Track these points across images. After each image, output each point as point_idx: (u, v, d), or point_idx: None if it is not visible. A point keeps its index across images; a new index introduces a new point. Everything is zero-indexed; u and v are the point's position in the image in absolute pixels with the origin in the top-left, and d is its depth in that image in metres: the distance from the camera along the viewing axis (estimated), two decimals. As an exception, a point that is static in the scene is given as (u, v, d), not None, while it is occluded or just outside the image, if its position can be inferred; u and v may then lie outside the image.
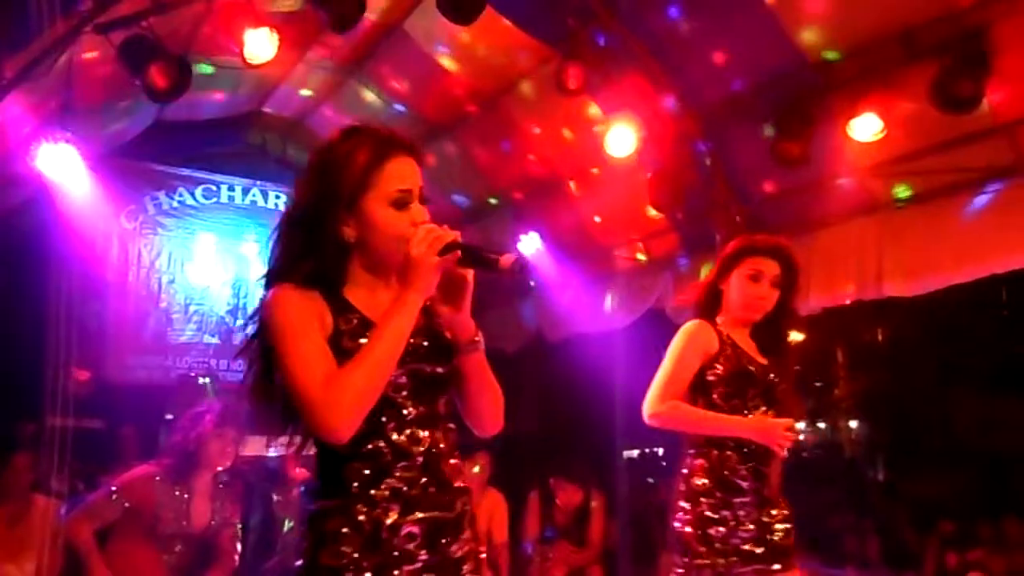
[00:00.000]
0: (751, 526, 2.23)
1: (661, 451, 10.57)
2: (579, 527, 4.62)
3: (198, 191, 6.00)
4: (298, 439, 1.42)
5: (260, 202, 6.23)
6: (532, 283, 1.33)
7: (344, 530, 1.32)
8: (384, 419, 1.36)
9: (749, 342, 2.41)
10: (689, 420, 2.30)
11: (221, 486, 3.12)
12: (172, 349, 5.72)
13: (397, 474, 1.35)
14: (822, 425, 12.38)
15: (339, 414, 1.27)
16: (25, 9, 3.20)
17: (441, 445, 1.41)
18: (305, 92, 5.53)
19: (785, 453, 2.23)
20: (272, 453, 4.03)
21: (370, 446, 1.35)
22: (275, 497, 4.27)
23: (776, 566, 2.24)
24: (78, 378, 4.61)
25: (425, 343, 1.42)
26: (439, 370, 1.43)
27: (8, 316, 5.06)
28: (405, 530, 1.33)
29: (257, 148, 6.32)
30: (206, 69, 4.49)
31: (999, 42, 3.34)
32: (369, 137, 1.42)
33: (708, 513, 2.22)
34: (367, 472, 1.34)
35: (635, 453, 10.44)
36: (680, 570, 2.22)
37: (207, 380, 5.06)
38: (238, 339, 6.04)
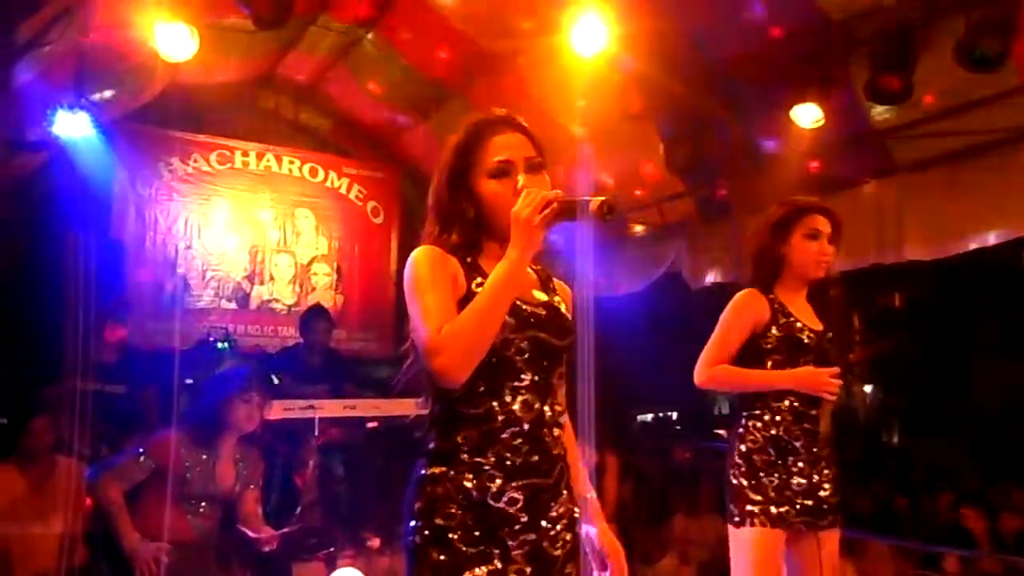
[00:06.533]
0: (803, 481, 2.31)
1: (675, 415, 10.65)
2: (593, 488, 4.66)
3: (212, 156, 5.99)
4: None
5: (274, 167, 6.22)
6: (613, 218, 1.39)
7: (453, 495, 1.45)
8: (503, 381, 1.48)
9: (806, 307, 2.45)
10: (738, 379, 2.38)
11: (245, 449, 3.17)
12: (190, 314, 5.77)
13: (504, 439, 1.47)
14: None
15: (450, 357, 1.38)
16: (37, -28, 3.18)
17: (548, 415, 1.52)
18: (317, 55, 5.48)
19: (833, 398, 2.32)
20: (293, 416, 4.08)
21: (485, 408, 1.47)
22: (296, 460, 4.34)
23: (823, 522, 2.33)
24: (110, 338, 4.68)
25: (545, 314, 1.55)
26: (556, 342, 1.54)
27: (28, 281, 5.12)
28: (508, 495, 1.46)
29: (270, 113, 6.29)
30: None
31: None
32: (473, 121, 1.59)
33: (760, 466, 2.31)
34: (476, 438, 1.47)
35: (648, 416, 10.53)
36: (736, 518, 2.31)
37: (225, 345, 5.11)
38: (254, 304, 6.10)
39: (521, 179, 1.51)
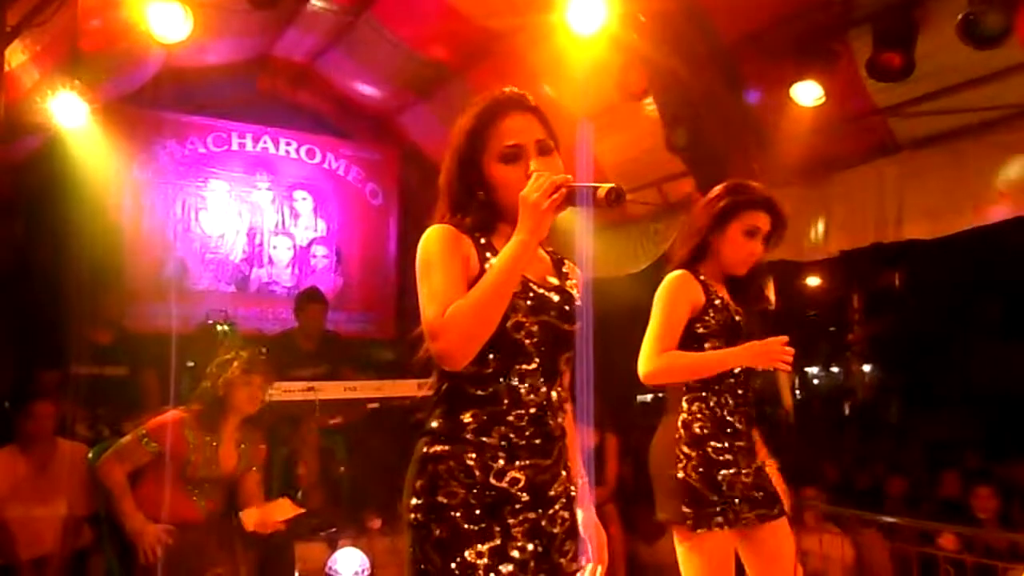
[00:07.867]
0: (749, 471, 2.20)
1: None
2: (594, 467, 4.70)
3: (209, 139, 5.97)
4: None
5: (271, 149, 6.20)
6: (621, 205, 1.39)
7: (456, 473, 1.45)
8: (512, 363, 1.48)
9: (726, 293, 2.34)
10: (689, 367, 2.20)
11: (247, 431, 3.18)
12: (190, 297, 5.77)
13: (509, 420, 1.47)
14: (836, 369, 12.41)
15: (450, 340, 1.37)
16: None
17: (554, 399, 1.53)
18: (314, 35, 5.43)
19: (788, 368, 2.17)
20: (293, 398, 4.09)
21: (492, 389, 1.47)
22: (295, 441, 4.35)
23: (773, 511, 2.21)
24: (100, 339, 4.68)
25: (557, 299, 1.55)
26: (566, 327, 1.54)
27: (27, 266, 5.11)
28: (510, 475, 1.47)
29: (267, 94, 6.25)
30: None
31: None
32: (482, 102, 1.56)
33: (714, 457, 2.16)
34: (481, 419, 1.47)
35: (648, 397, 10.56)
36: (690, 520, 2.12)
37: (225, 327, 5.11)
38: (254, 287, 6.10)
39: (533, 164, 1.50)
